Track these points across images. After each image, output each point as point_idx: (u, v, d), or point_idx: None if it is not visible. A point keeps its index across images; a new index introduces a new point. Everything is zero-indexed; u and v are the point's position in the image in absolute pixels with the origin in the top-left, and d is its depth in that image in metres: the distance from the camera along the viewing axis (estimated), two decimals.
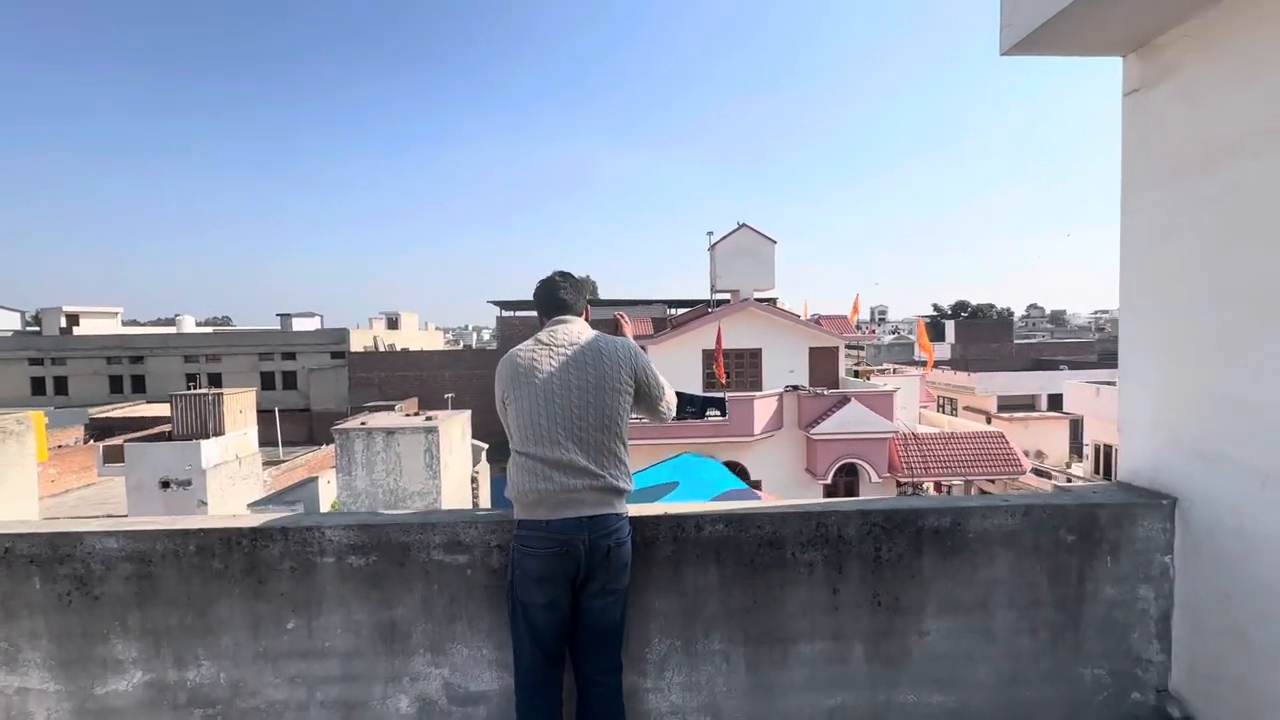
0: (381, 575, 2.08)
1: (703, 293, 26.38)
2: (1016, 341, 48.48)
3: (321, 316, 49.04)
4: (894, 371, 29.17)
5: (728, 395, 17.12)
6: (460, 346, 57.17)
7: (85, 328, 43.13)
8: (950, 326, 49.87)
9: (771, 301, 23.65)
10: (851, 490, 17.83)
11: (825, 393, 18.51)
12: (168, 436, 16.65)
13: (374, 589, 2.08)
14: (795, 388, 18.89)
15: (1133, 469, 2.37)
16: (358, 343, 39.75)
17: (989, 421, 27.37)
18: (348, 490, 9.70)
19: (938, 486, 19.29)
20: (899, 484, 18.29)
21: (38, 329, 46.55)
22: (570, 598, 1.95)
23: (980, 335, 45.98)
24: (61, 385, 39.18)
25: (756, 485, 15.67)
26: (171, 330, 47.36)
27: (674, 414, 2.21)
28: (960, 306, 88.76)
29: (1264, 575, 1.87)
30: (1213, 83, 1.98)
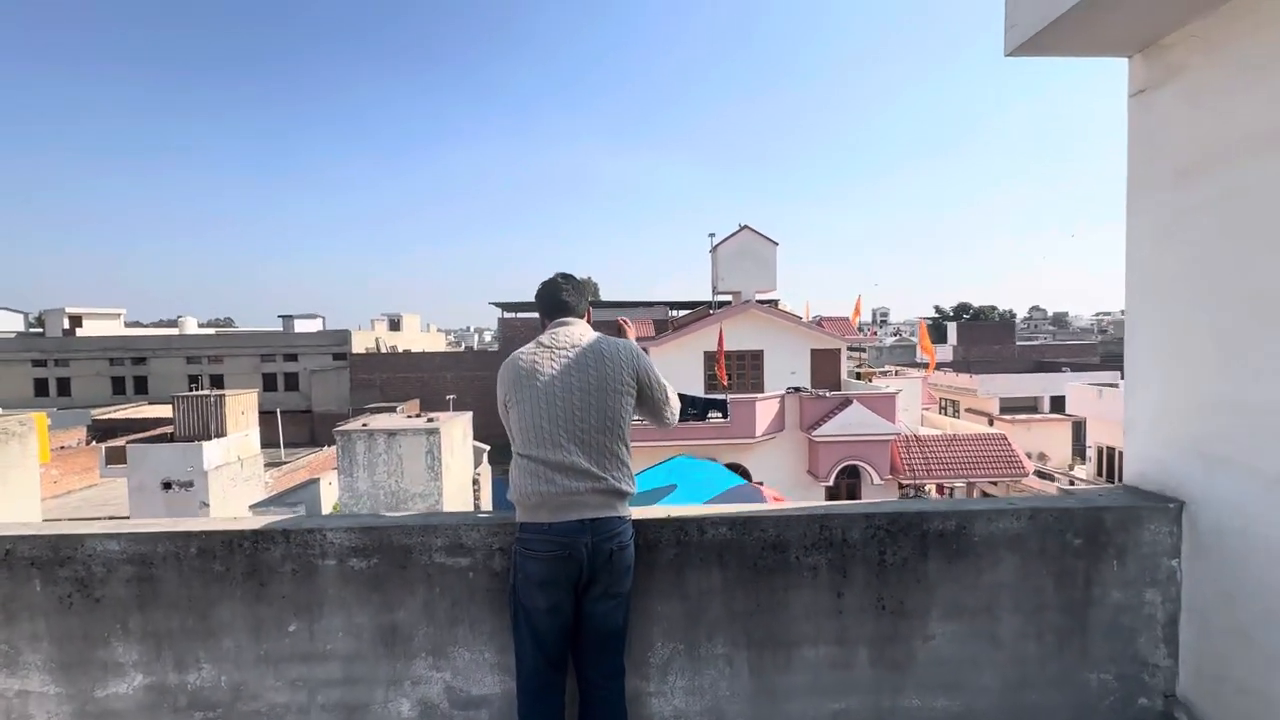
0: (383, 578, 2.07)
1: (704, 294, 26.41)
2: (1019, 343, 48.35)
3: (323, 318, 49.23)
4: (896, 373, 29.12)
5: (729, 397, 17.13)
6: (462, 348, 57.23)
7: (88, 329, 43.33)
8: (952, 328, 49.75)
9: (773, 303, 23.66)
10: (853, 492, 17.82)
11: (827, 394, 18.50)
12: (170, 438, 16.67)
13: (375, 592, 2.07)
14: (797, 389, 18.89)
15: (1139, 472, 2.35)
16: (359, 344, 39.87)
17: (991, 423, 27.33)
18: (349, 492, 9.70)
19: (940, 489, 19.27)
20: (901, 486, 18.27)
21: (41, 330, 46.71)
22: (573, 601, 1.93)
23: (982, 337, 45.87)
24: (64, 386, 39.33)
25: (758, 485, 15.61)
26: (174, 332, 47.52)
27: (678, 420, 2.20)
28: (962, 308, 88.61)
29: (1272, 579, 1.85)
30: (1217, 85, 1.97)
